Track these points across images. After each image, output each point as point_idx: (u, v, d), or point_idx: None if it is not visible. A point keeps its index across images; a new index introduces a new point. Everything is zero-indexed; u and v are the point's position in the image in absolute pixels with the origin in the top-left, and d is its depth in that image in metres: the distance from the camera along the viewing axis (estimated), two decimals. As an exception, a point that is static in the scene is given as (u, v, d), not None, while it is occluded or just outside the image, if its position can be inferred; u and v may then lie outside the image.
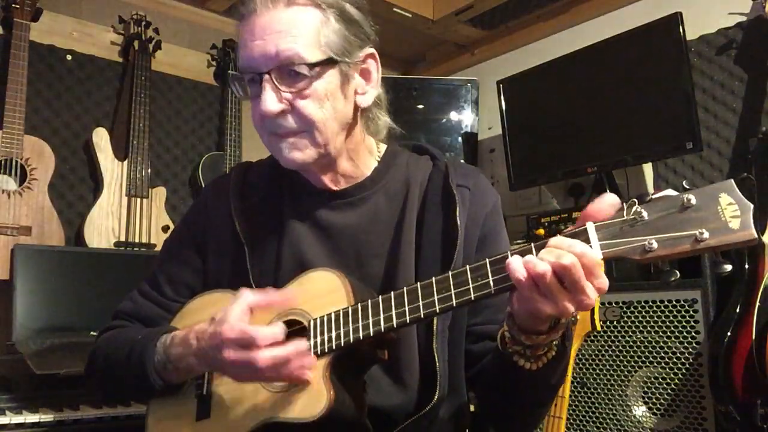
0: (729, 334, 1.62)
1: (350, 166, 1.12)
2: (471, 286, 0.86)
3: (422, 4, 2.93)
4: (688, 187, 0.76)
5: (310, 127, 1.02)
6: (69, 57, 2.53)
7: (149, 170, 2.51)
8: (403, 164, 1.17)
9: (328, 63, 1.02)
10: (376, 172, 1.14)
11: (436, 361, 1.03)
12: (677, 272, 0.70)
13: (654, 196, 0.78)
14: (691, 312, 1.75)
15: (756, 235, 0.71)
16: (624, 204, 0.79)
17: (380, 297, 0.93)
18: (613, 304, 1.89)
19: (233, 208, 1.15)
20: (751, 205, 0.72)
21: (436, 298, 0.88)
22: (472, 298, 0.86)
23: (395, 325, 0.91)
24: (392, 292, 0.92)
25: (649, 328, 1.82)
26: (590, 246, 0.79)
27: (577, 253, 0.78)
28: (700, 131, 2.07)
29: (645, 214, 0.77)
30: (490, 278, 0.85)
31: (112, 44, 2.65)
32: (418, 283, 0.90)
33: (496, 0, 2.80)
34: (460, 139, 2.93)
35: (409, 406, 1.05)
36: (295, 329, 1.01)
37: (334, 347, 0.94)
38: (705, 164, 2.31)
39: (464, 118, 2.93)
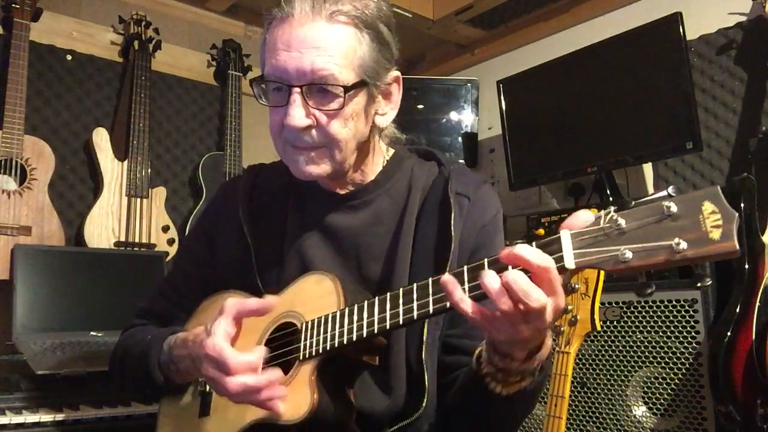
0: (729, 334, 1.62)
1: (358, 174, 1.13)
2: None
3: (422, 4, 2.93)
4: (672, 194, 0.73)
5: (332, 144, 1.02)
6: (69, 57, 2.53)
7: (149, 170, 2.51)
8: (408, 169, 1.16)
9: (360, 85, 1.01)
10: (381, 176, 1.14)
11: (425, 372, 1.03)
12: (653, 285, 0.67)
13: (634, 204, 0.74)
14: (691, 312, 1.75)
15: (737, 248, 0.65)
16: (602, 212, 0.74)
17: (366, 302, 0.93)
18: (613, 304, 1.89)
19: (241, 210, 1.16)
20: (736, 214, 0.66)
21: (415, 305, 0.86)
22: (447, 306, 0.83)
23: (376, 331, 0.90)
24: (376, 298, 0.92)
25: (649, 328, 1.82)
26: (562, 255, 0.74)
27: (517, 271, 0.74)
28: (700, 131, 2.07)
29: (622, 222, 0.72)
30: (466, 285, 0.81)
31: (112, 44, 2.65)
32: (401, 289, 0.89)
33: (496, 0, 2.80)
34: (460, 139, 2.93)
35: (394, 412, 1.05)
36: (290, 331, 1.02)
37: (321, 350, 0.95)
38: (705, 164, 2.31)
39: (464, 118, 2.93)
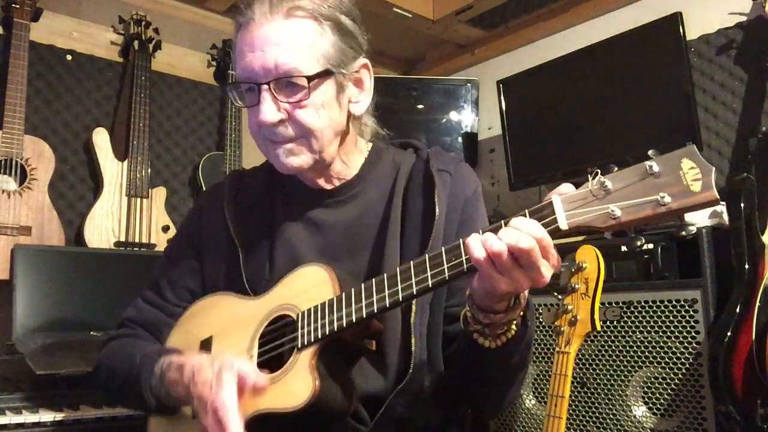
0: (729, 334, 1.62)
1: (342, 167, 1.16)
2: (446, 266, 0.88)
3: (422, 4, 2.93)
4: (651, 156, 0.76)
5: (308, 135, 1.06)
6: (69, 57, 2.53)
7: (149, 170, 2.51)
8: (389, 159, 1.20)
9: (325, 74, 1.05)
10: (364, 168, 1.18)
11: (411, 336, 1.05)
12: (642, 238, 0.71)
13: (617, 169, 0.78)
14: (691, 312, 1.75)
15: (717, 196, 0.70)
16: (589, 176, 0.79)
17: (363, 285, 0.95)
18: (613, 304, 1.88)
19: (227, 214, 1.18)
20: (713, 168, 0.72)
21: (413, 281, 0.90)
22: (447, 278, 0.87)
23: (375, 311, 0.93)
24: (373, 279, 0.95)
25: (649, 328, 1.82)
26: (556, 217, 0.80)
27: (536, 237, 0.80)
28: (700, 131, 2.07)
29: (609, 184, 0.77)
30: (463, 260, 0.86)
31: (112, 44, 2.65)
32: (398, 269, 0.92)
33: (496, 0, 2.80)
34: (460, 139, 2.93)
35: (391, 385, 1.07)
36: (285, 323, 1.02)
37: (319, 336, 0.96)
38: (705, 164, 2.31)
39: (464, 118, 2.93)
